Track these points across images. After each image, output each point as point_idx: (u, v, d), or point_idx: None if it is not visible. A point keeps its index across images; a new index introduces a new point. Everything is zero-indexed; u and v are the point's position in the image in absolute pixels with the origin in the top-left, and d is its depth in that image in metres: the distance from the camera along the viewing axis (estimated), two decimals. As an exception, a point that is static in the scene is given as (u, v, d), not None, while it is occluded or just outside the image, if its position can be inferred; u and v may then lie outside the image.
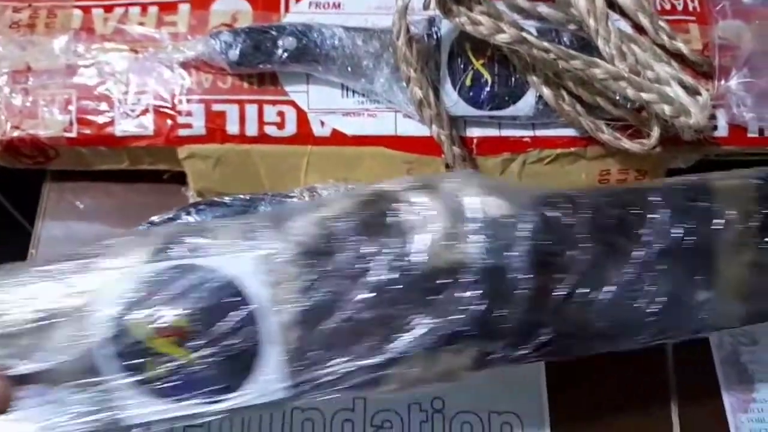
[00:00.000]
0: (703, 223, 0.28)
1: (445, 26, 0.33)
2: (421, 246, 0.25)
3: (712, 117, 0.34)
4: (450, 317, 0.25)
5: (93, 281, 0.24)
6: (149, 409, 0.24)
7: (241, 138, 0.34)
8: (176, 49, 0.33)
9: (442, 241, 0.25)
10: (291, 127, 0.34)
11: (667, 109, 0.31)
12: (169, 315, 0.24)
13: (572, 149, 0.34)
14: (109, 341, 0.24)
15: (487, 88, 0.33)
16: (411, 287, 0.25)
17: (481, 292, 0.25)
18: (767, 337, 0.35)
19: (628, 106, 0.33)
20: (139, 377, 0.24)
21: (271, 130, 0.34)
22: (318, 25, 0.33)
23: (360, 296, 0.24)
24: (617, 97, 0.33)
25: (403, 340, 0.25)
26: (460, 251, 0.25)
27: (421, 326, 0.25)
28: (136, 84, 0.33)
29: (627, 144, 0.33)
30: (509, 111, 0.34)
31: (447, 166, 0.34)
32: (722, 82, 0.34)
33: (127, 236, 0.26)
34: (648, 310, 0.27)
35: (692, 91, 0.33)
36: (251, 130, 0.34)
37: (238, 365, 0.24)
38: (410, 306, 0.25)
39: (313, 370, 0.25)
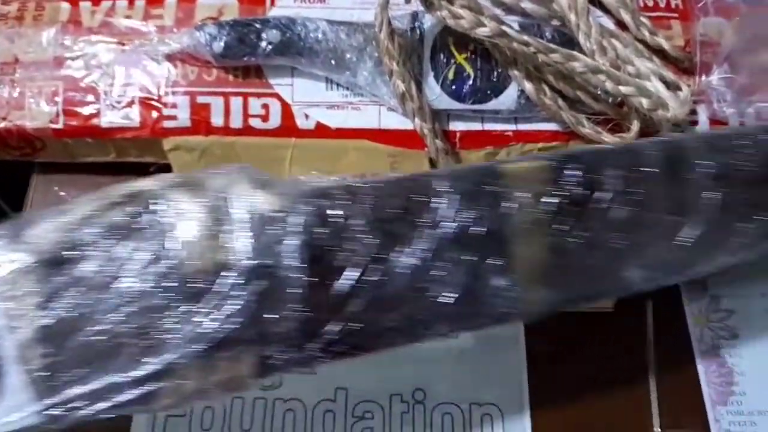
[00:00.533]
0: (492, 207, 0.26)
1: (428, 20, 0.34)
2: (178, 248, 0.23)
3: (693, 112, 0.34)
4: (215, 323, 0.23)
5: None
6: None
7: (226, 130, 0.34)
8: (162, 41, 0.34)
9: (204, 241, 0.23)
10: (275, 120, 0.34)
11: (644, 103, 0.31)
12: None
13: (554, 143, 0.35)
14: None
15: (470, 82, 0.34)
16: (170, 293, 0.23)
17: (247, 293, 0.23)
18: (747, 331, 0.35)
19: (609, 100, 0.33)
20: None
21: (255, 123, 0.34)
22: (302, 19, 0.33)
23: (112, 306, 0.23)
24: (598, 91, 0.33)
25: (167, 351, 0.23)
26: (223, 251, 0.24)
27: (184, 334, 0.23)
28: (123, 76, 0.34)
29: (607, 138, 0.33)
30: (491, 105, 0.34)
31: (430, 160, 0.34)
32: (703, 78, 0.35)
33: None
34: (441, 301, 0.26)
35: (673, 87, 0.34)
36: (236, 122, 0.34)
37: None
38: (171, 313, 0.23)
39: (66, 390, 0.22)
